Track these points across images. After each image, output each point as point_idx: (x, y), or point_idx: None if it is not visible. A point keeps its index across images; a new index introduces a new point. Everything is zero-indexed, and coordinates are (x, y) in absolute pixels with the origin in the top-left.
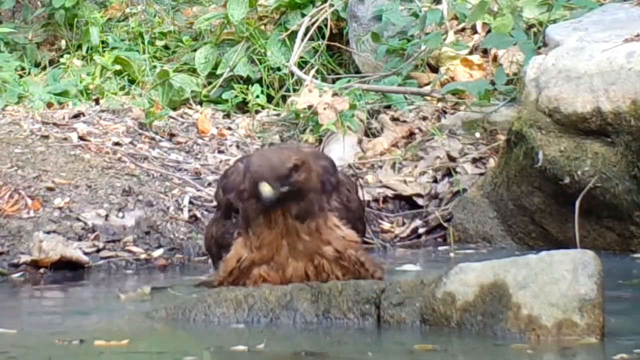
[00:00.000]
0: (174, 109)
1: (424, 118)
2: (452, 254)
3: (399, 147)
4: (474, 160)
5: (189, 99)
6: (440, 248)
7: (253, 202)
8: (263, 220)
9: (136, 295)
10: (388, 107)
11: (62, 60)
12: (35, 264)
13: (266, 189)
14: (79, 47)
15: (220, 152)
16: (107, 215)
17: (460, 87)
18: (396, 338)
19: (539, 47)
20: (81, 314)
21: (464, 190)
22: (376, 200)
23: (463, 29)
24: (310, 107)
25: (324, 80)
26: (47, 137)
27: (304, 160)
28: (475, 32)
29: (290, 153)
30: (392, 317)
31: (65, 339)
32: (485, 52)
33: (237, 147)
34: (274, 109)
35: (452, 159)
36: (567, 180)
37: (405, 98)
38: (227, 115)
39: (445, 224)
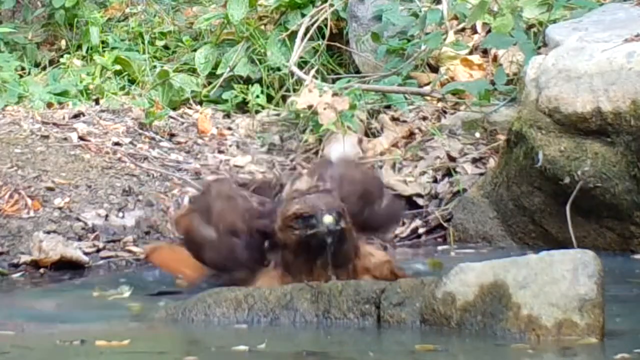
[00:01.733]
0: (174, 109)
1: (424, 118)
2: (452, 253)
3: (399, 147)
4: (474, 160)
5: (189, 99)
6: (440, 248)
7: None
8: (305, 270)
9: (113, 293)
10: (388, 107)
11: (62, 60)
12: (35, 264)
13: (330, 219)
14: (79, 47)
15: (220, 152)
16: (107, 215)
17: (460, 87)
18: (396, 338)
19: (539, 47)
20: (82, 314)
21: (464, 190)
22: None
23: (463, 29)
24: (310, 107)
25: (324, 80)
26: (47, 137)
27: (344, 209)
28: (475, 32)
29: (334, 197)
30: (392, 317)
31: (66, 339)
32: (485, 52)
33: (237, 147)
34: (274, 109)
35: (452, 159)
36: (567, 180)
37: (405, 98)
38: (227, 115)
39: (445, 224)
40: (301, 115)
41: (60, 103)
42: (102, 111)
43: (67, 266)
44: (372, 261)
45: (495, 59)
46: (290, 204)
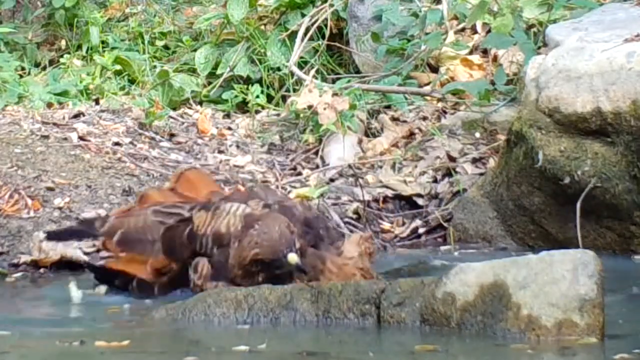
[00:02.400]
0: (174, 109)
1: (424, 118)
2: (456, 254)
3: (399, 147)
4: (474, 160)
5: (189, 99)
6: (442, 248)
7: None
8: None
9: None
10: (388, 107)
11: (62, 60)
12: (35, 264)
13: (295, 258)
14: (79, 47)
15: (220, 152)
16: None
17: (460, 87)
18: (397, 338)
19: (539, 47)
20: (81, 314)
21: (464, 190)
22: (376, 200)
23: (463, 29)
24: (310, 107)
25: (324, 80)
26: (47, 137)
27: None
28: (475, 32)
29: (280, 221)
30: (392, 317)
31: (66, 339)
32: (485, 52)
33: (237, 147)
34: (274, 109)
35: (452, 159)
36: (567, 180)
37: (405, 98)
38: (227, 115)
39: (445, 224)
40: (301, 115)
41: (60, 103)
42: (102, 111)
43: (67, 266)
44: (338, 262)
45: (495, 59)
46: (243, 249)
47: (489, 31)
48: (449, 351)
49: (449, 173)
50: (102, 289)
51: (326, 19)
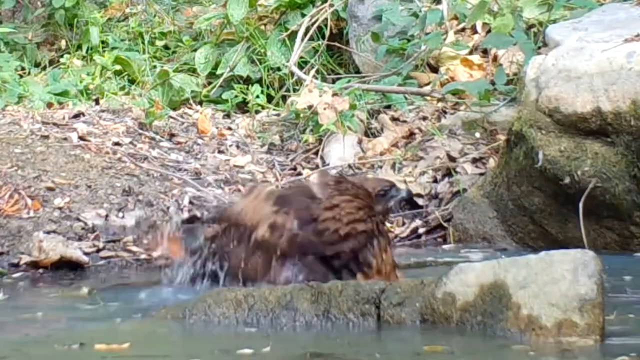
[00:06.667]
0: (174, 109)
1: (424, 118)
2: (462, 251)
3: (399, 147)
4: (474, 160)
5: (189, 99)
6: (444, 247)
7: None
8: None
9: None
10: (388, 107)
11: (62, 60)
12: (35, 264)
13: (404, 185)
14: (79, 47)
15: (220, 152)
16: (107, 215)
17: (460, 87)
18: (399, 339)
19: (539, 47)
20: (81, 315)
21: (464, 190)
22: None
23: (463, 29)
24: (310, 107)
25: (324, 80)
26: (47, 137)
27: None
28: (475, 32)
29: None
30: (392, 317)
31: (65, 342)
32: (485, 52)
33: (237, 147)
34: (274, 109)
35: (452, 159)
36: (567, 180)
37: (405, 98)
38: (227, 115)
39: (445, 224)
40: (301, 115)
41: (60, 103)
42: (102, 111)
43: (67, 266)
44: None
45: (495, 59)
46: (359, 189)
47: (489, 31)
48: (454, 352)
49: (449, 173)
50: (85, 290)
51: (326, 19)
